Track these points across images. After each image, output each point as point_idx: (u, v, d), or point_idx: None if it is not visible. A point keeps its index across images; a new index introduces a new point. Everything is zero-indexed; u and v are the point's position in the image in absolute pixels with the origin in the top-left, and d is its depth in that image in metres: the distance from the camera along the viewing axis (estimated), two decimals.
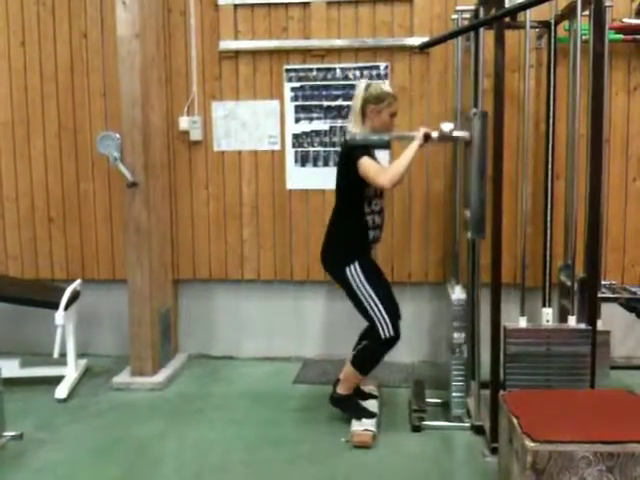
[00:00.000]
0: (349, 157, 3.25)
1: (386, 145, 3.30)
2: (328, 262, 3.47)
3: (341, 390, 3.47)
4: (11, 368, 4.00)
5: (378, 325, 3.30)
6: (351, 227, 3.36)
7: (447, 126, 3.21)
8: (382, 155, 3.67)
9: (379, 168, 3.24)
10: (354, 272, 3.31)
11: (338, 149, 4.13)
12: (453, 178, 3.89)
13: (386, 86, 3.40)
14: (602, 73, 2.98)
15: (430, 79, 4.22)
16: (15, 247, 4.61)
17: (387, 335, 3.30)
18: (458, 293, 3.54)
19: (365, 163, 3.18)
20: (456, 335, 3.45)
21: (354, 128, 3.36)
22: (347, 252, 3.36)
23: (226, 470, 3.04)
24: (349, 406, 3.47)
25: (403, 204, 4.31)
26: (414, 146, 3.17)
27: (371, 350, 3.38)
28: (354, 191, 3.30)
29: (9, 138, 4.53)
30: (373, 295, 3.31)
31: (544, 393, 2.85)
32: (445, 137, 3.23)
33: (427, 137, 3.18)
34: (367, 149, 3.25)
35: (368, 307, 3.32)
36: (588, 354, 3.01)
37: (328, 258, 3.46)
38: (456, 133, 3.26)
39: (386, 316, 3.30)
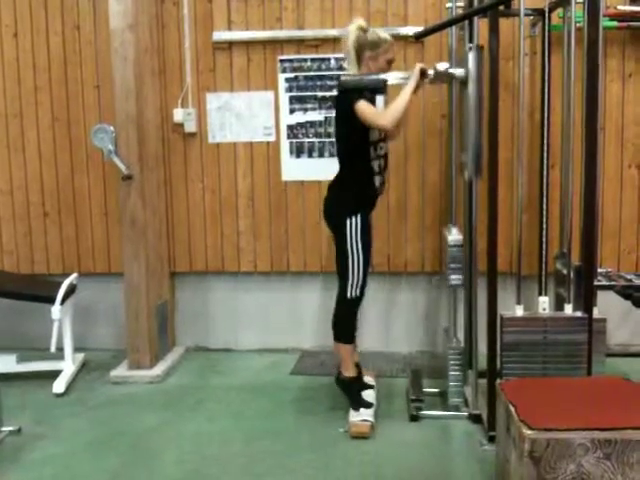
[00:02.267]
0: (345, 102, 3.21)
1: (382, 87, 3.25)
2: (331, 208, 3.43)
3: (344, 371, 3.47)
4: (8, 363, 4.02)
5: (349, 282, 3.34)
6: (358, 174, 3.33)
7: (442, 65, 3.22)
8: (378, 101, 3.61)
9: (377, 110, 3.21)
10: (354, 224, 3.29)
11: (333, 140, 4.14)
12: (449, 121, 3.85)
13: (383, 31, 3.34)
14: (596, 60, 2.97)
15: None
16: (10, 242, 4.59)
17: (353, 295, 3.36)
18: (454, 234, 3.50)
19: (362, 106, 3.13)
20: (453, 277, 3.45)
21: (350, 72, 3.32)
22: (353, 201, 3.33)
23: (225, 461, 3.05)
24: (351, 392, 3.46)
25: (399, 194, 4.31)
26: (411, 84, 3.15)
27: (341, 315, 3.43)
28: (358, 137, 3.26)
29: (2, 131, 4.51)
30: (361, 253, 3.31)
31: (541, 381, 2.86)
32: (441, 75, 3.22)
33: (423, 73, 3.17)
34: (362, 92, 3.20)
35: (351, 262, 3.32)
36: (584, 342, 3.01)
37: (332, 205, 3.43)
38: (452, 70, 3.24)
39: (362, 277, 3.35)
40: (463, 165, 3.33)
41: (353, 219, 3.29)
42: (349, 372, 3.46)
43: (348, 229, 3.29)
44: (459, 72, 3.22)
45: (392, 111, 3.13)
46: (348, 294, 3.36)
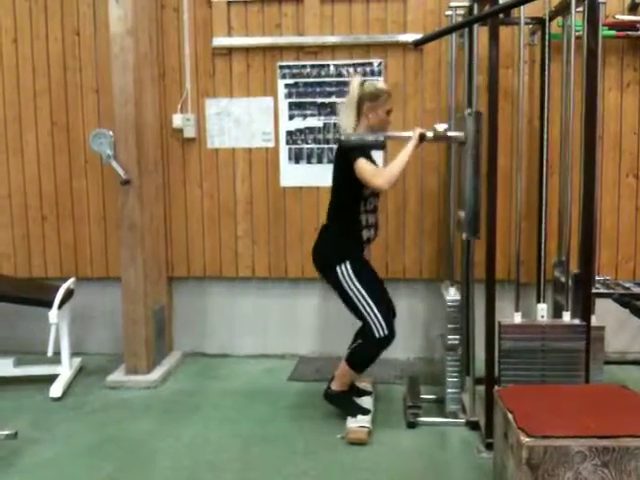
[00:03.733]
0: (345, 158, 3.24)
1: (381, 145, 3.29)
2: (319, 261, 3.46)
3: (335, 386, 3.47)
4: (5, 367, 4.01)
5: (372, 325, 3.29)
6: (344, 226, 3.36)
7: (441, 126, 3.23)
8: (376, 155, 3.66)
9: (375, 169, 3.23)
10: (345, 271, 3.30)
11: (332, 146, 4.17)
12: (447, 177, 3.88)
13: (380, 83, 3.39)
14: (595, 69, 2.98)
15: (424, 76, 4.22)
16: (8, 245, 4.59)
17: (381, 334, 3.29)
18: (453, 294, 3.51)
19: (361, 165, 3.17)
20: (451, 336, 3.44)
21: (347, 125, 3.35)
22: (338, 251, 3.35)
23: (221, 467, 3.04)
24: (342, 403, 3.48)
25: (397, 201, 4.31)
26: (410, 147, 3.18)
27: (366, 349, 3.37)
28: (351, 191, 3.29)
29: (1, 135, 4.51)
30: (365, 295, 3.30)
31: (539, 388, 2.86)
32: (440, 137, 3.25)
33: (422, 137, 3.20)
34: (363, 150, 3.25)
35: (360, 307, 3.30)
36: (582, 349, 3.02)
37: (319, 257, 3.45)
38: (450, 133, 3.27)
39: (379, 315, 3.29)
40: (461, 224, 3.35)
41: (343, 266, 3.30)
42: (339, 387, 3.47)
43: (341, 276, 3.31)
44: (457, 135, 3.25)
45: (389, 172, 3.15)
46: (376, 334, 3.30)
